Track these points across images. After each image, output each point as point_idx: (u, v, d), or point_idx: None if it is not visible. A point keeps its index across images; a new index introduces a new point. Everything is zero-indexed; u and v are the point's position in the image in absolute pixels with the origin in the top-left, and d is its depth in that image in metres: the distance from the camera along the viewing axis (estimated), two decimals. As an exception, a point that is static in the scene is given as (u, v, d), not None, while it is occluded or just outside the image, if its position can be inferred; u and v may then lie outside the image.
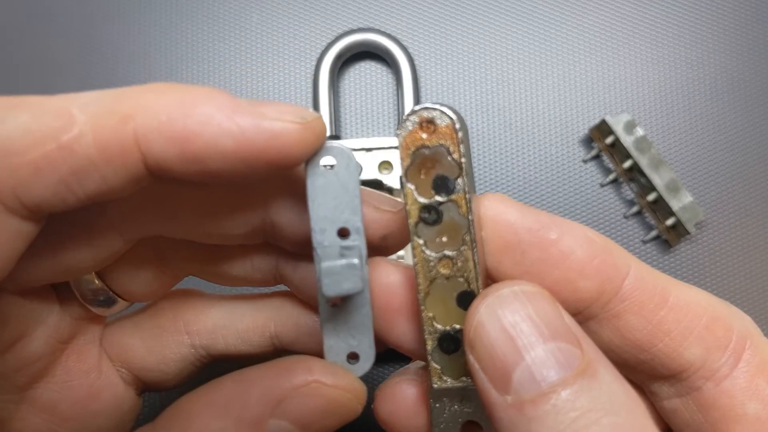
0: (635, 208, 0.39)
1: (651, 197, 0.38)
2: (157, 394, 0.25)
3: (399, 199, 0.21)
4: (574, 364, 0.16)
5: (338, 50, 0.39)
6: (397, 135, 0.18)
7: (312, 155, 0.19)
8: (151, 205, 0.20)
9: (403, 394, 0.22)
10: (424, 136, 0.18)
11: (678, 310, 0.19)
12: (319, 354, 0.22)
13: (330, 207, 0.19)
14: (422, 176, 0.18)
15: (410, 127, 0.18)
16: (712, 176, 0.40)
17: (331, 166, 0.19)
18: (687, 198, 0.38)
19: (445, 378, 0.20)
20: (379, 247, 0.21)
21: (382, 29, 0.41)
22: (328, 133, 0.39)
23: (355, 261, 0.19)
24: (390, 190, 0.36)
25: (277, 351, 0.25)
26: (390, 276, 0.21)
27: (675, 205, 0.37)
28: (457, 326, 0.19)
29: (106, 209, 0.20)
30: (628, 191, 0.40)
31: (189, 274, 0.23)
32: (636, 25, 0.42)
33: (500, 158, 0.40)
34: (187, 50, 0.41)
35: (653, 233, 0.39)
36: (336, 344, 0.21)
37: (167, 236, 0.21)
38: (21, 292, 0.20)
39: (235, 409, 0.21)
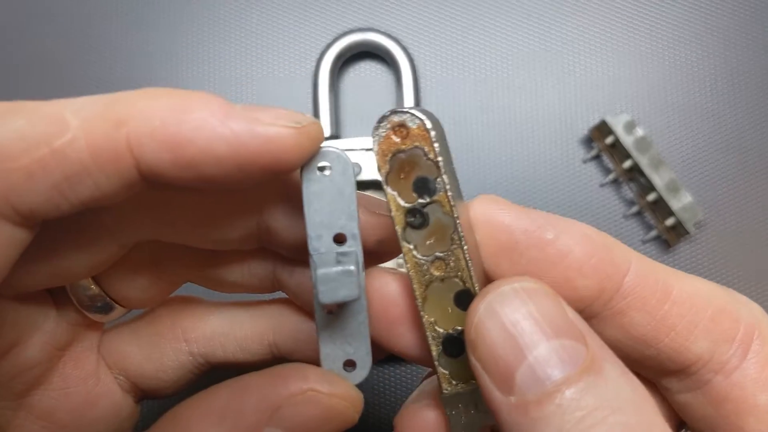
0: (635, 208, 0.39)
1: (651, 197, 0.38)
2: (155, 402, 0.25)
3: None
4: (578, 361, 0.16)
5: (338, 50, 0.39)
6: (372, 143, 0.18)
7: (308, 160, 0.19)
8: (145, 210, 0.20)
9: (421, 419, 0.21)
10: (398, 140, 0.18)
11: (682, 303, 0.19)
12: (318, 362, 0.21)
13: (326, 213, 0.19)
14: (402, 181, 0.18)
15: (383, 134, 0.18)
16: (712, 176, 0.40)
17: (327, 171, 0.19)
18: (686, 198, 0.38)
19: (454, 382, 0.20)
20: (375, 252, 0.21)
21: (382, 29, 0.40)
22: (327, 134, 0.39)
23: (352, 268, 0.19)
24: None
25: (275, 359, 0.24)
26: (389, 286, 0.20)
27: (675, 205, 0.37)
28: (459, 328, 0.19)
29: (100, 215, 0.19)
30: (628, 191, 0.40)
31: (186, 280, 0.23)
32: (636, 25, 0.41)
33: (500, 158, 0.40)
34: (186, 50, 0.41)
35: (653, 233, 0.39)
36: (332, 352, 0.21)
37: (163, 241, 0.21)
38: (16, 297, 0.20)
39: (230, 417, 0.20)
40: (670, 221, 0.38)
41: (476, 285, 0.19)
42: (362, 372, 0.21)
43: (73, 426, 0.22)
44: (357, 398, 0.21)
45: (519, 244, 0.19)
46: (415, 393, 0.22)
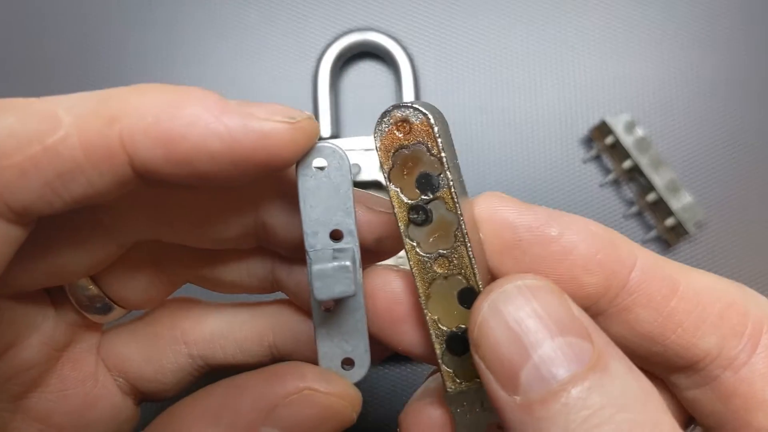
0: (635, 208, 0.39)
1: (651, 197, 0.38)
2: (154, 403, 0.25)
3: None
4: (584, 359, 0.15)
5: (338, 50, 0.39)
6: (374, 139, 0.18)
7: (303, 156, 0.19)
8: (141, 208, 0.20)
9: (426, 417, 0.21)
10: (401, 135, 0.18)
11: (689, 299, 0.18)
12: (317, 362, 0.21)
13: (322, 209, 0.19)
14: (405, 177, 0.18)
15: (386, 129, 0.18)
16: (712, 176, 0.40)
17: (323, 168, 0.19)
18: (686, 198, 0.38)
19: (458, 381, 0.19)
20: (374, 250, 0.21)
21: (382, 29, 0.40)
22: (327, 134, 0.39)
23: (347, 263, 0.18)
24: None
25: (275, 361, 0.24)
26: (392, 284, 0.20)
27: (674, 205, 0.37)
28: (463, 326, 0.19)
29: (96, 213, 0.19)
30: (628, 191, 0.40)
31: (185, 280, 0.23)
32: (636, 25, 0.41)
33: (500, 158, 0.40)
34: (186, 50, 0.41)
35: (653, 233, 0.39)
36: (330, 350, 0.21)
37: (160, 240, 0.21)
38: (14, 296, 0.20)
39: (226, 417, 0.20)
40: (670, 221, 0.38)
41: (480, 283, 0.18)
42: (361, 370, 0.21)
43: (70, 428, 0.22)
44: (355, 397, 0.21)
45: (523, 241, 0.18)
46: (420, 390, 0.22)
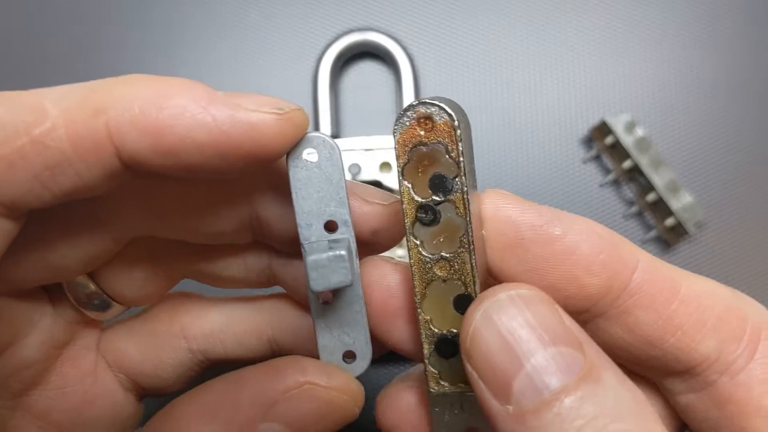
0: (635, 209, 0.39)
1: (651, 197, 0.38)
2: (156, 399, 0.25)
3: (390, 192, 0.21)
4: (576, 369, 0.15)
5: (338, 50, 0.39)
6: (393, 131, 0.18)
7: (293, 147, 0.18)
8: (134, 201, 0.20)
9: (404, 402, 0.21)
10: (422, 132, 0.17)
11: (689, 302, 0.18)
12: (317, 357, 0.21)
13: (315, 200, 0.19)
14: (419, 174, 0.18)
15: (407, 123, 0.17)
16: (712, 176, 0.40)
17: (314, 158, 0.19)
18: (686, 198, 0.38)
19: (442, 383, 0.19)
20: (370, 243, 0.21)
21: (382, 29, 0.40)
22: (329, 134, 0.39)
23: (343, 253, 0.18)
24: (390, 192, 0.36)
25: (275, 355, 0.24)
26: (388, 276, 0.20)
27: (675, 205, 0.37)
28: (455, 330, 0.19)
29: (88, 207, 0.19)
30: (628, 191, 0.40)
31: (183, 276, 0.23)
32: (636, 25, 0.41)
33: (500, 158, 0.40)
34: (186, 50, 0.41)
35: (653, 233, 0.39)
36: (330, 343, 0.21)
37: (156, 236, 0.21)
38: (11, 294, 0.20)
39: (225, 413, 0.20)
40: (670, 221, 0.38)
41: (479, 292, 0.18)
42: (363, 363, 0.21)
43: (70, 426, 0.22)
44: (357, 391, 0.21)
45: (525, 240, 0.18)
46: (403, 374, 0.22)
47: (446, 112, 0.17)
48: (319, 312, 0.21)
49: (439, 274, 0.18)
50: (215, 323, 0.24)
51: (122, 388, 0.24)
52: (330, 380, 0.20)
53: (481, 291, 0.18)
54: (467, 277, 0.18)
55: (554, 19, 0.41)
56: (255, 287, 0.23)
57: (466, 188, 0.17)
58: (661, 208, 0.38)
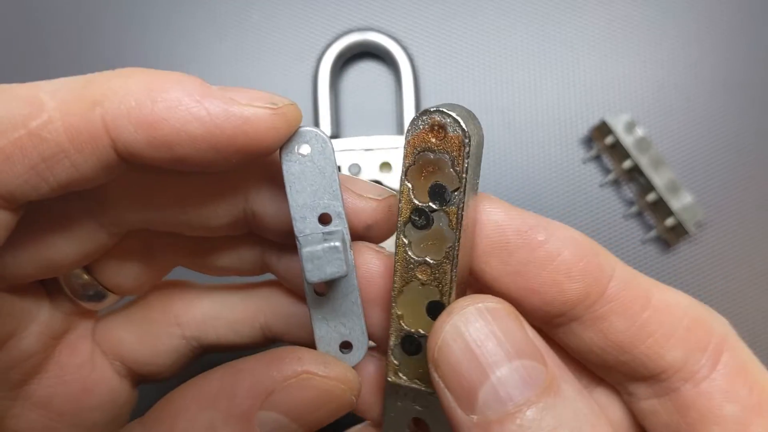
0: (635, 208, 0.39)
1: (651, 197, 0.38)
2: (153, 387, 0.25)
3: (383, 187, 0.21)
4: (538, 382, 0.16)
5: (338, 50, 0.39)
6: (406, 131, 0.18)
7: (286, 142, 0.19)
8: (130, 195, 0.20)
9: (364, 370, 0.22)
10: (433, 140, 0.18)
11: (661, 312, 0.19)
12: (311, 344, 0.21)
13: (308, 193, 0.19)
14: (422, 178, 0.18)
15: (421, 127, 0.18)
16: (712, 176, 0.40)
17: (306, 151, 0.19)
18: (686, 198, 0.38)
19: (400, 375, 0.20)
20: (364, 237, 0.21)
21: (382, 29, 0.40)
22: (329, 134, 0.39)
23: (337, 244, 0.18)
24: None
25: (268, 341, 0.24)
26: (370, 263, 0.21)
27: (675, 205, 0.37)
28: (422, 331, 0.19)
29: (84, 201, 0.19)
30: (628, 191, 0.40)
31: (176, 265, 0.23)
32: (636, 25, 0.41)
33: (500, 158, 0.40)
34: (186, 50, 0.41)
35: (653, 233, 0.39)
36: (327, 334, 0.21)
37: (152, 229, 0.21)
38: (10, 289, 0.20)
39: (223, 402, 0.20)
40: (670, 221, 0.38)
41: (452, 302, 0.19)
42: (359, 353, 0.21)
43: (70, 413, 0.23)
44: (354, 381, 0.21)
45: (510, 244, 0.19)
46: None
47: (461, 126, 0.17)
48: (315, 303, 0.21)
49: (420, 277, 0.19)
50: (208, 310, 0.24)
51: (118, 375, 0.24)
52: (327, 370, 0.21)
53: (457, 297, 0.19)
54: (445, 287, 0.19)
55: (554, 19, 0.41)
56: (248, 275, 0.24)
57: (462, 204, 0.18)
58: (661, 208, 0.38)
